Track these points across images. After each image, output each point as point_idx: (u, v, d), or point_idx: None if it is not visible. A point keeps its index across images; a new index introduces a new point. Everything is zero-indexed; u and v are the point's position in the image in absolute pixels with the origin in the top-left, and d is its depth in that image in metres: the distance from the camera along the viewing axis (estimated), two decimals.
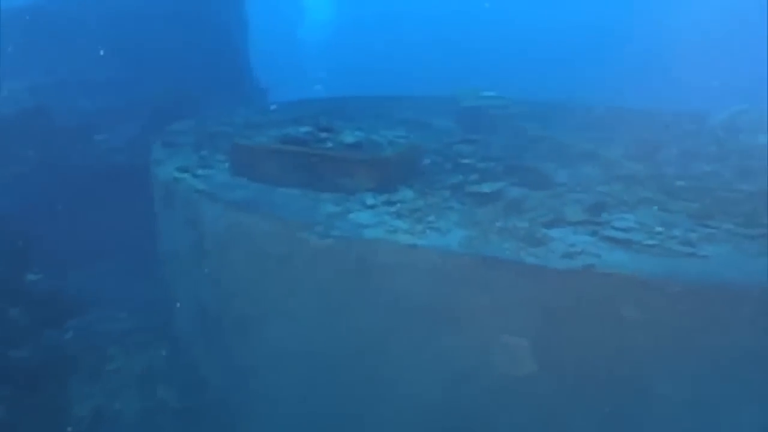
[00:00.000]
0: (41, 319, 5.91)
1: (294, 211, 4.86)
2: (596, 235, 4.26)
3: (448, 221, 4.57)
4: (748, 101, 7.01)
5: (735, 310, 3.55)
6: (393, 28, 27.99)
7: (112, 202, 7.74)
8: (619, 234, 4.23)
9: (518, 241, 4.17)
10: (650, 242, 4.11)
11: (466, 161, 5.98)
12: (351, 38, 25.78)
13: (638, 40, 19.91)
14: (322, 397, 4.88)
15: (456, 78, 9.14)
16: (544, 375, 3.87)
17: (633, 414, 3.83)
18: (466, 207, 4.87)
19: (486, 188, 5.12)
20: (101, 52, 9.35)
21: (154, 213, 6.72)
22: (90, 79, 9.47)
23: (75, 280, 7.05)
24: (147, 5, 10.27)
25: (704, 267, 3.81)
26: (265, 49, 13.93)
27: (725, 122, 7.01)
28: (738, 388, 3.64)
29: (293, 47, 25.04)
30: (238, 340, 5.34)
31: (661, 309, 3.65)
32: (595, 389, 3.84)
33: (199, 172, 5.91)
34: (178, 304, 6.34)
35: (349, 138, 5.66)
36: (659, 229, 4.35)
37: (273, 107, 9.24)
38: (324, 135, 5.72)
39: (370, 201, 4.97)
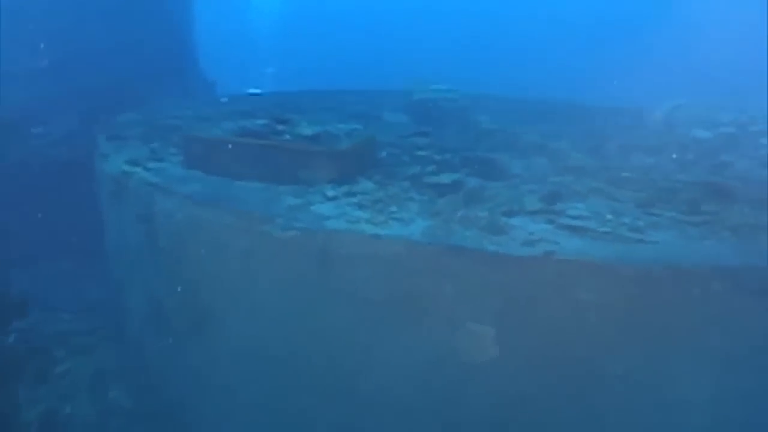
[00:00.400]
0: None
1: (254, 204, 4.79)
2: (553, 223, 4.42)
3: (410, 211, 4.62)
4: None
5: (684, 291, 3.77)
6: (342, 21, 27.76)
7: (54, 198, 7.37)
8: (574, 222, 4.41)
9: (480, 230, 4.27)
10: (603, 229, 4.31)
11: (422, 153, 6.06)
12: (300, 31, 25.45)
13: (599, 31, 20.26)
14: (284, 394, 4.82)
15: (406, 72, 9.17)
16: (508, 359, 3.99)
17: (592, 394, 4.01)
18: (426, 197, 4.94)
19: (444, 179, 5.21)
20: (36, 41, 8.85)
21: (100, 209, 6.47)
22: (24, 68, 8.95)
23: (17, 280, 6.70)
24: None
25: (654, 251, 4.02)
26: (212, 42, 13.59)
27: (663, 117, 7.43)
28: (688, 365, 3.88)
29: (241, 40, 24.50)
30: (194, 337, 5.21)
31: (616, 292, 3.84)
32: (556, 371, 3.99)
33: (151, 165, 5.72)
34: (129, 303, 6.13)
35: (306, 130, 5.63)
36: (610, 217, 4.57)
37: (224, 100, 9.05)
38: (281, 127, 5.67)
39: (330, 193, 4.96)
